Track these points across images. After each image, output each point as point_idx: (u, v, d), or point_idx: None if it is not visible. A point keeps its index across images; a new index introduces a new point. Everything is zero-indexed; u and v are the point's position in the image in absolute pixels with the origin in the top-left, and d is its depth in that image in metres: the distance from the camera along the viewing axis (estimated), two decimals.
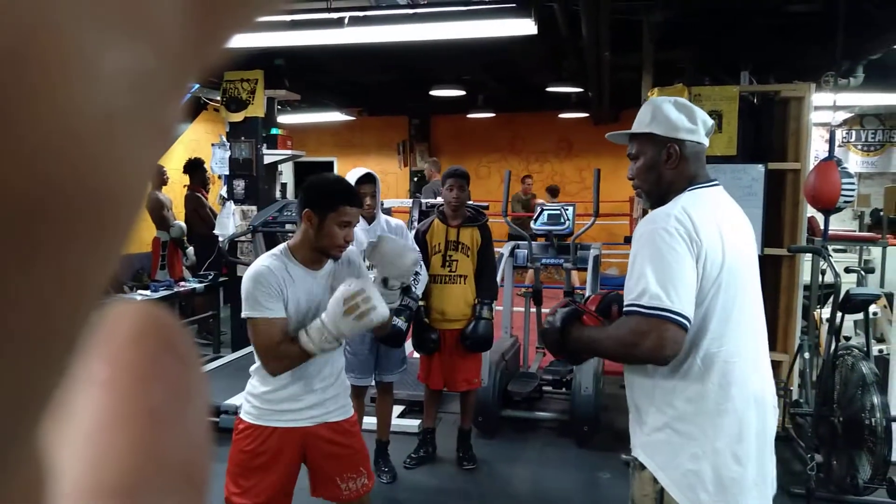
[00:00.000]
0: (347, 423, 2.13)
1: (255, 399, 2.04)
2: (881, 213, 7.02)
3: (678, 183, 1.61)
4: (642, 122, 1.65)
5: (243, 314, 1.94)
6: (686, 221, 1.48)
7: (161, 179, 6.79)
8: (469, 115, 9.99)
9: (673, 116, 1.61)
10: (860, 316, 3.57)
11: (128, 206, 0.09)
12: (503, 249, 4.69)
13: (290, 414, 2.02)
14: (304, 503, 2.24)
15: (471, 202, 3.58)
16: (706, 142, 1.65)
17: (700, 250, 1.47)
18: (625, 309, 1.50)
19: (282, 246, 2.06)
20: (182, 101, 0.10)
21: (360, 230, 3.20)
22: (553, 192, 8.98)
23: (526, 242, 4.89)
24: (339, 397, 2.12)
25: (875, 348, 4.23)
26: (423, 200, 5.30)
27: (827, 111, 5.63)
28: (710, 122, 1.66)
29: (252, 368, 2.07)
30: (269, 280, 1.92)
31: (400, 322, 3.30)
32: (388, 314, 1.94)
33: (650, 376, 1.56)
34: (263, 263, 1.97)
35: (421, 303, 3.37)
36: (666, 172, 1.61)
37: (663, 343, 1.43)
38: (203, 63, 0.11)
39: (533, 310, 5.04)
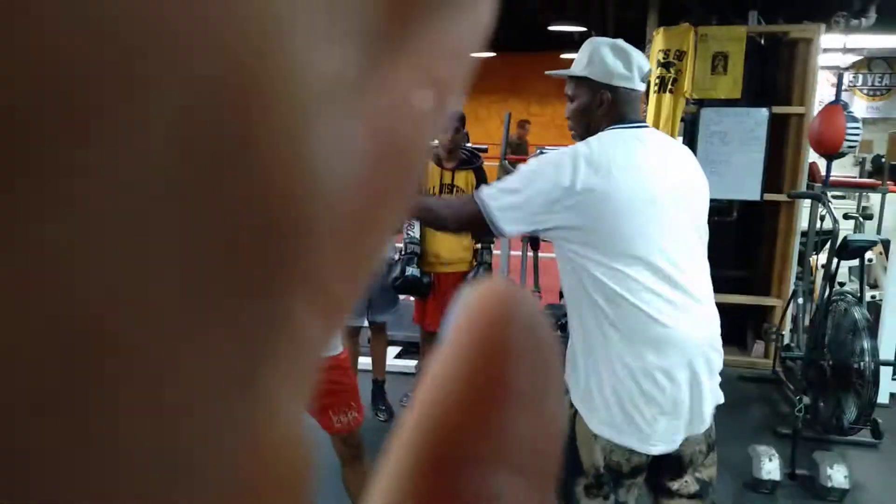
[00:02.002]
0: (336, 360, 2.15)
1: None
2: (882, 160, 6.96)
3: (605, 126, 1.64)
4: (579, 65, 1.67)
5: None
6: (570, 161, 1.54)
7: None
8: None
9: (609, 61, 1.62)
10: (856, 262, 3.58)
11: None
12: None
13: None
14: None
15: (468, 144, 3.54)
16: (641, 87, 1.69)
17: (574, 184, 1.52)
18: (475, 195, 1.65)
19: None
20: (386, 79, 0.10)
21: None
22: (521, 124, 8.88)
23: None
24: None
25: (868, 294, 4.27)
26: None
27: (835, 53, 5.50)
28: (647, 67, 1.69)
29: None
30: None
31: (414, 269, 3.33)
32: None
33: (576, 304, 1.63)
34: None
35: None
36: (595, 116, 1.65)
37: (465, 212, 1.62)
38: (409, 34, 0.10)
39: (530, 254, 5.06)
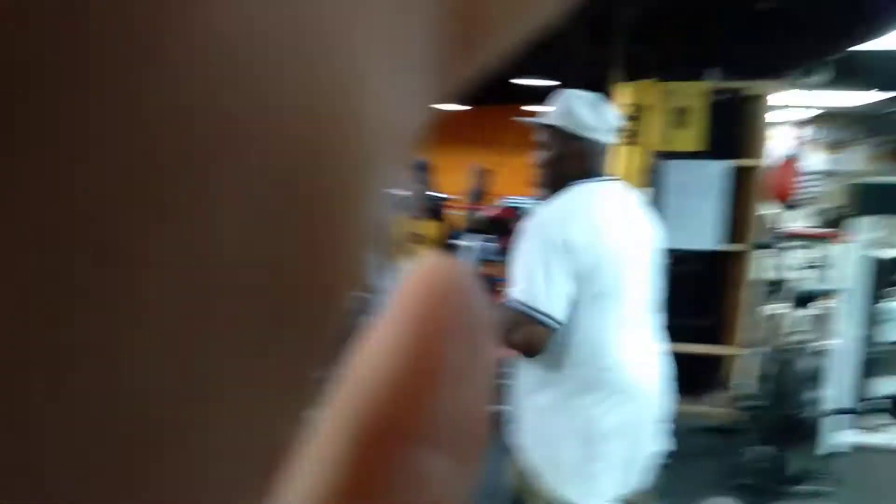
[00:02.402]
0: None
1: None
2: (838, 211, 7.21)
3: (574, 178, 1.68)
4: (552, 114, 1.71)
5: None
6: (559, 223, 1.56)
7: None
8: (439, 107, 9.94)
9: (581, 113, 1.67)
10: (809, 311, 3.69)
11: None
12: (466, 242, 4.71)
13: None
14: None
15: (432, 194, 3.60)
16: (611, 140, 1.73)
17: (571, 250, 1.54)
18: (509, 304, 1.60)
19: None
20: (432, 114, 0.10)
21: None
22: None
23: (492, 235, 4.92)
24: None
25: (821, 343, 4.38)
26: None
27: (791, 109, 5.74)
28: (618, 121, 1.74)
29: None
30: None
31: None
32: None
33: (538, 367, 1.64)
34: None
35: None
36: (566, 167, 1.68)
37: (531, 340, 1.53)
38: (462, 73, 0.10)
39: None
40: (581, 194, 1.64)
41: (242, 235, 0.07)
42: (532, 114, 1.90)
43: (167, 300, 0.07)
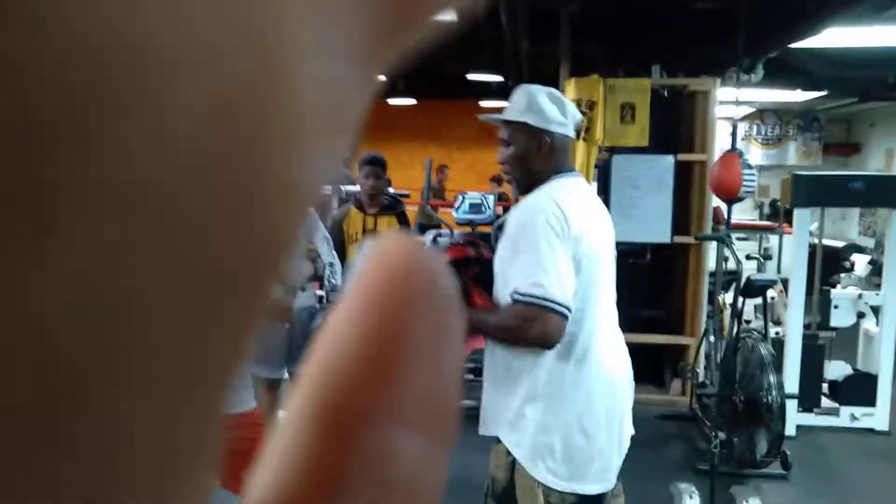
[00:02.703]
0: (247, 417, 2.03)
1: None
2: (778, 204, 7.48)
3: (545, 173, 1.66)
4: (516, 110, 1.68)
5: None
6: (559, 213, 1.54)
7: None
8: (390, 101, 9.90)
9: (547, 108, 1.65)
10: (760, 300, 3.78)
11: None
12: (426, 237, 4.67)
13: None
14: None
15: (390, 189, 3.54)
16: (574, 135, 1.73)
17: (570, 240, 1.54)
18: (512, 296, 1.55)
19: None
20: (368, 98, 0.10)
21: None
22: (498, 181, 9.03)
23: (447, 231, 4.88)
24: (243, 387, 2.02)
25: (772, 331, 4.51)
26: (343, 188, 5.20)
27: (731, 105, 5.92)
28: (580, 116, 1.77)
29: None
30: None
31: None
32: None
33: (512, 354, 1.63)
34: None
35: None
36: (535, 162, 1.66)
37: (548, 330, 1.50)
38: (391, 55, 0.10)
39: None
40: (564, 186, 1.64)
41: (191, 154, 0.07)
42: (494, 111, 1.86)
43: (77, 245, 0.06)
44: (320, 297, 3.41)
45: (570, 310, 1.51)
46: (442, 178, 9.21)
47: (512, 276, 1.56)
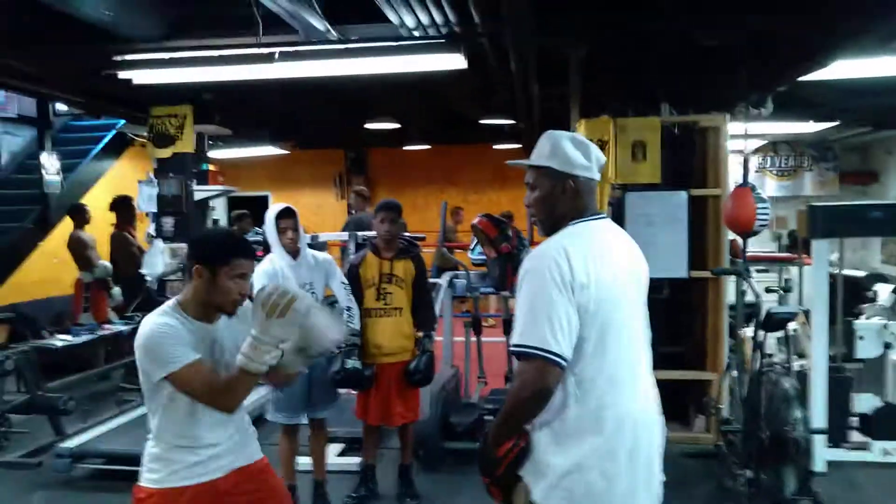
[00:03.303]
0: (258, 466, 2.04)
1: (158, 462, 1.90)
2: (796, 235, 7.41)
3: (569, 215, 1.71)
4: (542, 155, 1.74)
5: (158, 376, 1.80)
6: (563, 262, 1.56)
7: (83, 218, 6.53)
8: (405, 148, 10.07)
9: (570, 153, 1.70)
10: (782, 333, 3.73)
11: None
12: (441, 280, 4.70)
13: (198, 468, 1.89)
14: None
15: (406, 233, 3.59)
16: (598, 177, 1.76)
17: (574, 288, 1.55)
18: (510, 350, 1.60)
19: (170, 302, 1.95)
20: None
21: (287, 266, 3.16)
22: (509, 217, 9.06)
23: (464, 272, 4.92)
24: (247, 439, 2.03)
25: (796, 364, 4.43)
26: (360, 234, 5.28)
27: (742, 139, 5.94)
28: (603, 158, 1.78)
29: (153, 431, 1.92)
30: (171, 332, 1.83)
31: (355, 362, 3.26)
32: (312, 300, 1.83)
33: None
34: (157, 321, 1.86)
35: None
36: (560, 205, 1.72)
37: (541, 379, 1.52)
38: None
39: (473, 339, 5.06)
40: (578, 232, 1.66)
41: None
42: (508, 153, 1.92)
43: None
44: (353, 345, 3.40)
45: (564, 360, 1.52)
46: (457, 219, 9.29)
47: (514, 326, 1.60)
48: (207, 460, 1.90)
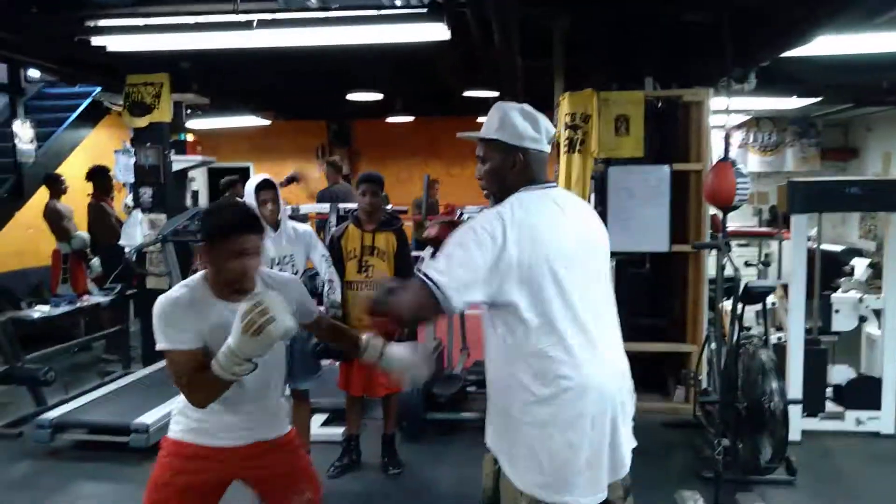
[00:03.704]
0: (285, 440, 2.04)
1: (178, 416, 1.94)
2: (776, 210, 7.49)
3: (518, 186, 1.70)
4: (490, 128, 1.73)
5: (157, 346, 1.81)
6: (497, 226, 1.58)
7: (59, 188, 6.41)
8: (388, 120, 9.96)
9: (519, 125, 1.69)
10: (760, 306, 3.78)
11: None
12: (423, 253, 4.68)
13: (224, 433, 1.91)
14: None
15: (389, 206, 3.57)
16: (548, 149, 1.75)
17: (503, 251, 1.56)
18: (416, 271, 1.67)
19: (199, 275, 1.90)
20: None
21: (267, 238, 3.12)
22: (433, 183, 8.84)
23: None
24: (277, 413, 2.03)
25: (774, 336, 4.50)
26: (341, 206, 5.23)
27: (724, 114, 5.96)
28: (553, 130, 1.76)
29: None
30: (177, 312, 1.80)
31: None
32: (292, 325, 1.71)
33: (503, 373, 1.66)
34: (169, 294, 1.84)
35: (338, 310, 3.33)
36: (509, 177, 1.71)
37: (417, 303, 1.55)
38: None
39: None
40: (524, 200, 1.66)
41: None
42: (476, 127, 1.90)
43: None
44: (333, 318, 3.40)
45: (446, 298, 1.52)
46: (433, 192, 9.13)
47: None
48: (219, 427, 1.91)
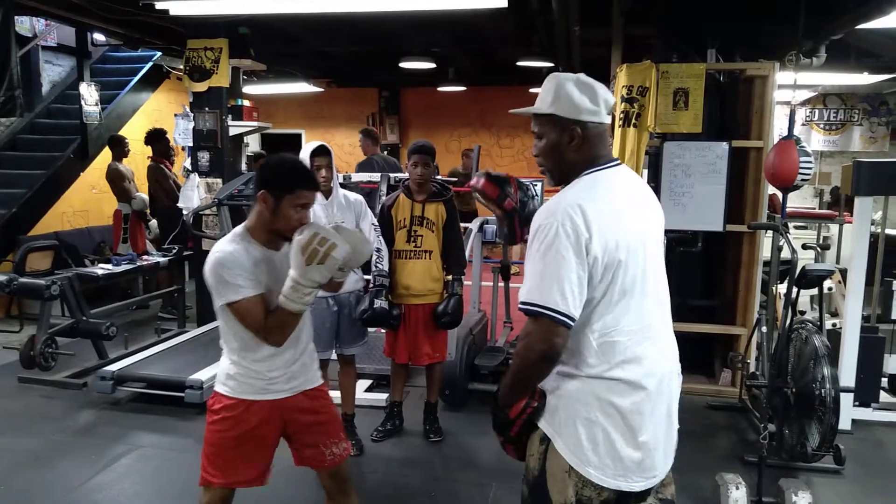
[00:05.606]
0: (321, 390, 2.17)
1: (229, 375, 2.04)
2: (839, 191, 7.19)
3: (580, 164, 1.60)
4: (545, 102, 1.62)
5: (220, 303, 1.92)
6: (578, 219, 1.48)
7: (122, 150, 6.63)
8: (439, 89, 9.91)
9: (576, 97, 1.58)
10: (816, 291, 3.67)
11: None
12: (472, 225, 4.70)
13: (271, 385, 2.03)
14: (281, 477, 2.25)
15: (438, 177, 3.57)
16: (608, 121, 1.64)
17: (589, 247, 1.48)
18: (519, 307, 1.54)
19: (240, 228, 2.03)
20: None
21: (318, 205, 3.18)
22: (467, 154, 8.63)
23: (494, 217, 4.89)
24: (312, 364, 2.15)
25: (828, 322, 4.37)
26: (392, 175, 5.26)
27: (790, 90, 5.71)
28: (612, 100, 1.64)
29: (225, 348, 2.06)
30: (236, 262, 1.91)
31: (382, 302, 3.32)
32: (349, 249, 1.92)
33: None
34: (224, 249, 1.94)
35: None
36: (568, 154, 1.61)
37: (548, 339, 1.47)
38: None
39: (501, 284, 5.08)
40: (592, 183, 1.58)
41: None
42: (528, 98, 1.82)
43: None
44: (367, 282, 3.48)
45: (572, 319, 1.47)
46: (468, 162, 9.01)
47: (524, 282, 1.54)
48: (273, 380, 2.03)
